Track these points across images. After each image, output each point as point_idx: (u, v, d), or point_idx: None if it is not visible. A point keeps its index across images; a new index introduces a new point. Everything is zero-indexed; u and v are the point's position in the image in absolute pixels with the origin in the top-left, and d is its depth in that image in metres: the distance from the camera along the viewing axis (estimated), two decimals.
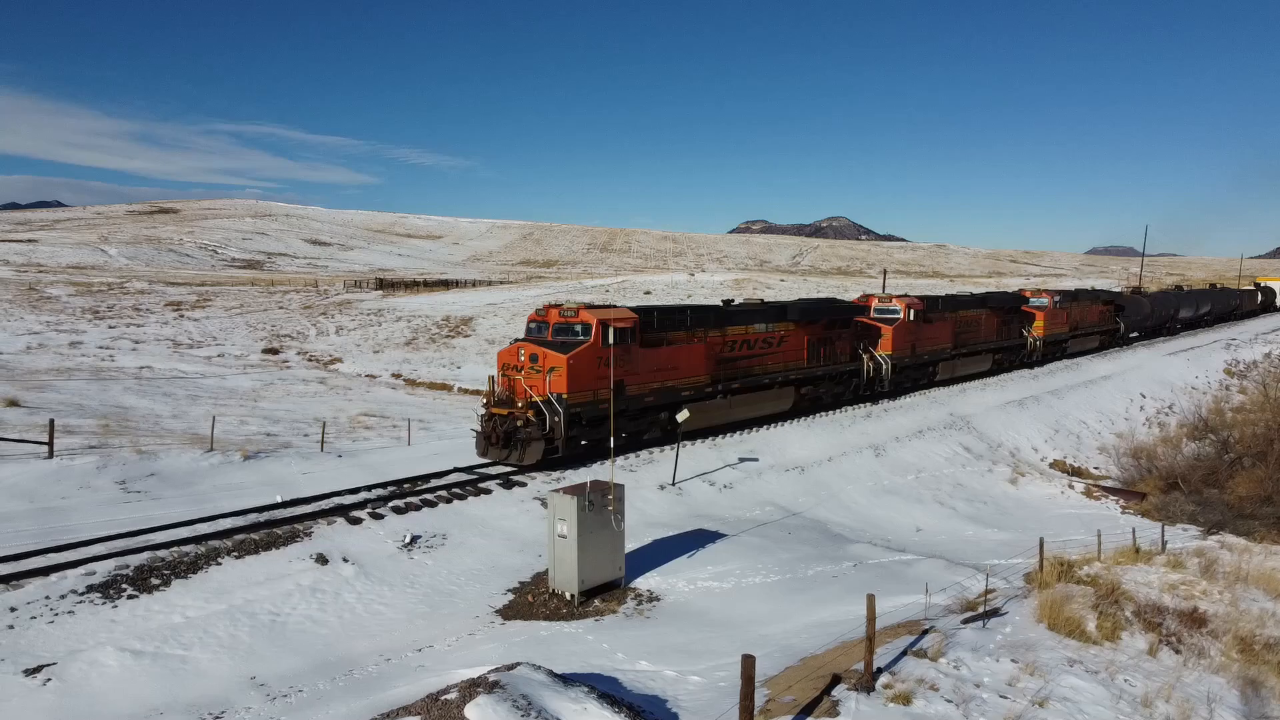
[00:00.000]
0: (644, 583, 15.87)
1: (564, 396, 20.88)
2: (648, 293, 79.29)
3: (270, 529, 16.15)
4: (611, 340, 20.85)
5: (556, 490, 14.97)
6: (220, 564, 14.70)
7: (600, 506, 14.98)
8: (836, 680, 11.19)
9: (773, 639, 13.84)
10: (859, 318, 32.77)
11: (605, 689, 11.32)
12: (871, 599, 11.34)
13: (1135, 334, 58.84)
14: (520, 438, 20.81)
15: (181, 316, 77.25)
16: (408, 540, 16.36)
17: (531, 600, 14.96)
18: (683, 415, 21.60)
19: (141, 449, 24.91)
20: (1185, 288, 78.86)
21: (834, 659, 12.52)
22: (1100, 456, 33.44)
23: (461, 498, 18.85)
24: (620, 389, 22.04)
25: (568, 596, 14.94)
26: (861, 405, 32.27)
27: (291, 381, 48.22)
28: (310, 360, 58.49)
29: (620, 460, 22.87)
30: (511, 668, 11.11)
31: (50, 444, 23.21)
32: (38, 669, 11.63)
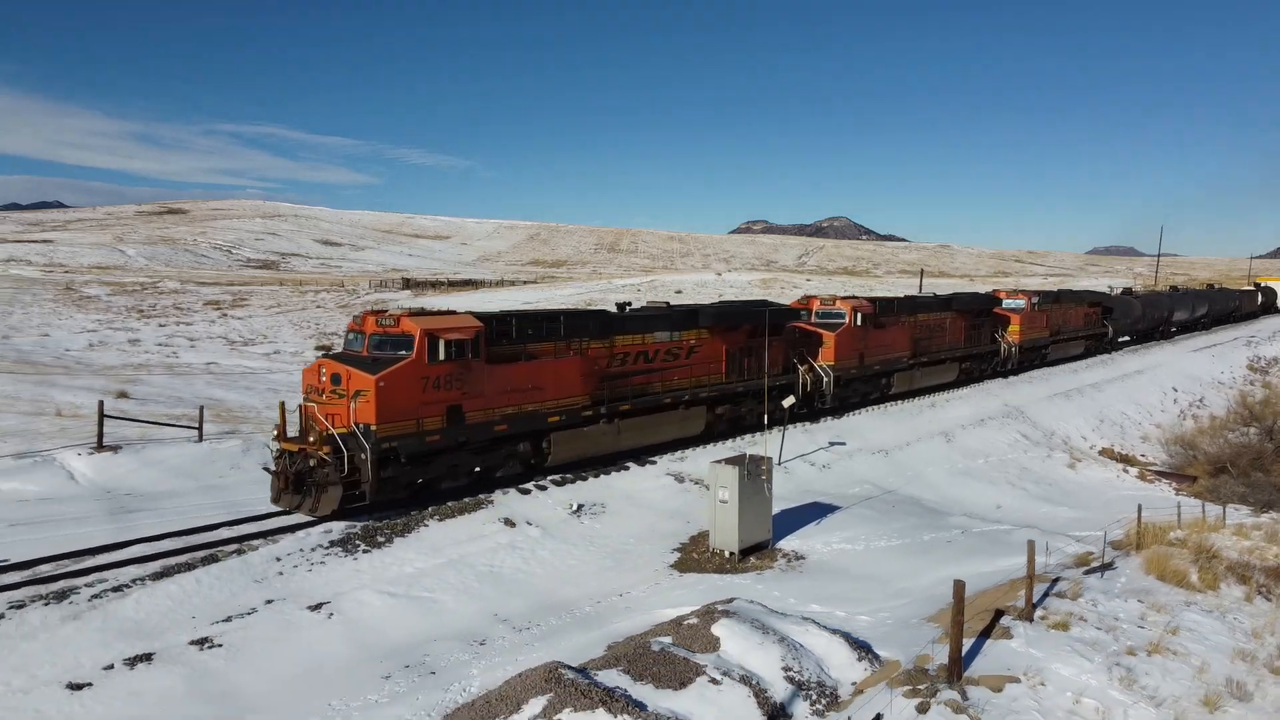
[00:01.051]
0: (786, 545, 17.99)
1: (372, 428, 16.60)
2: (679, 291, 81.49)
3: (456, 498, 18.27)
4: (442, 355, 17.50)
5: (718, 462, 17.12)
6: (427, 526, 16.84)
7: (755, 476, 17.12)
8: (1000, 614, 13.31)
9: (916, 590, 15.95)
10: (795, 324, 29.04)
11: None
12: (1031, 544, 13.46)
13: (1126, 338, 54.98)
14: (314, 481, 16.60)
15: (224, 315, 79.34)
16: (575, 508, 18.51)
17: (697, 557, 17.11)
18: (789, 401, 23.65)
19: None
20: (1180, 288, 74.69)
21: (983, 602, 14.63)
22: (1144, 445, 35.60)
23: (607, 473, 21.00)
24: (457, 415, 18.09)
25: (727, 554, 17.07)
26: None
27: None
28: None
29: (668, 457, 24.97)
30: (729, 601, 13.25)
31: (200, 429, 25.31)
32: (318, 606, 13.75)
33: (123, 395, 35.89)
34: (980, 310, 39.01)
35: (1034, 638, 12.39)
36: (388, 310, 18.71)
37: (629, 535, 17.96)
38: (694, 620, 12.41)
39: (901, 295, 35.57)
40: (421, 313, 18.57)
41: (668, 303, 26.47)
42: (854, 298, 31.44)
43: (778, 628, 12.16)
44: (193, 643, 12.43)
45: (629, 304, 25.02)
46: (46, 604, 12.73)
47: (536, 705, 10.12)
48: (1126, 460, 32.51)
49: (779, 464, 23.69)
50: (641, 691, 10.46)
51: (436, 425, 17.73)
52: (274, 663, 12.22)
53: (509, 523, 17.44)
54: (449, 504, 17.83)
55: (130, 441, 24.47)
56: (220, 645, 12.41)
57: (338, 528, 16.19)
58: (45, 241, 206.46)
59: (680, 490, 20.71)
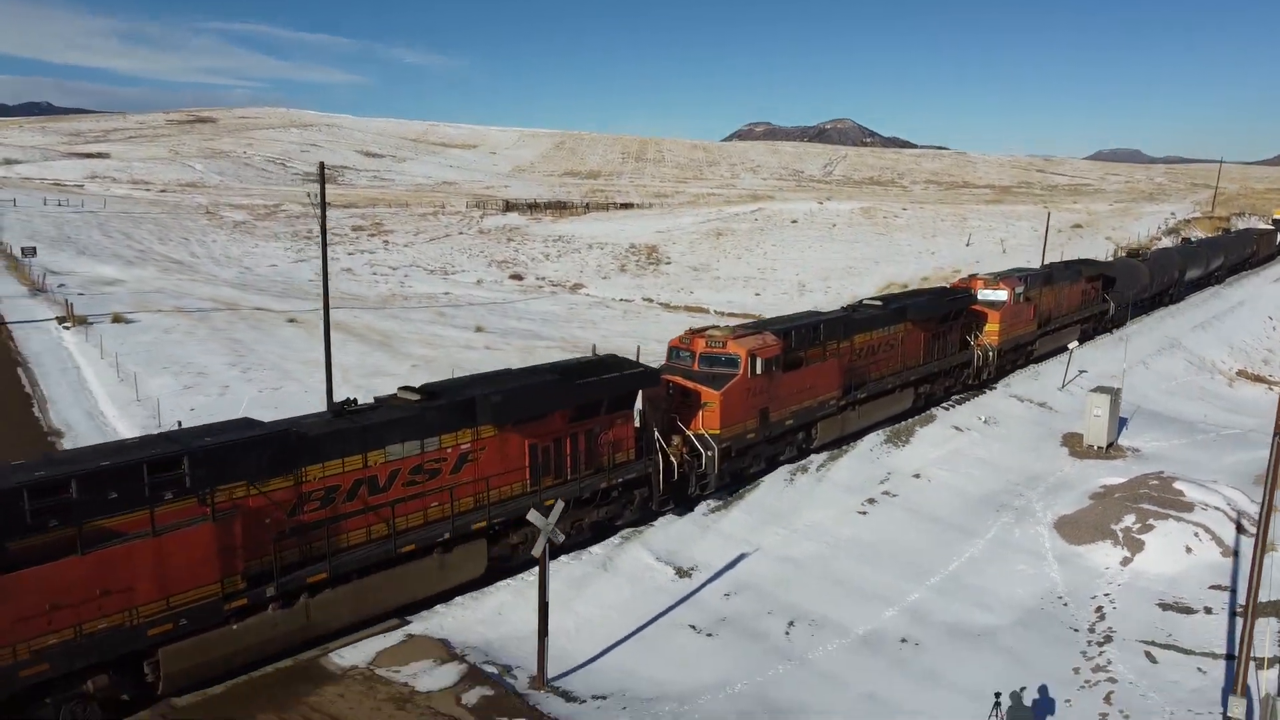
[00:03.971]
0: (1122, 442, 28.34)
1: None
2: (794, 221, 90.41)
3: (914, 415, 28.55)
4: None
5: (1094, 390, 27.34)
6: (918, 431, 27.18)
7: (1114, 400, 27.36)
8: None
9: (1225, 468, 26.25)
10: (669, 376, 22.12)
11: None
12: None
13: (1129, 309, 48.56)
14: None
15: (388, 243, 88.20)
16: (984, 420, 28.83)
17: (1079, 449, 27.49)
18: (1074, 344, 33.59)
19: None
20: (1191, 240, 68.53)
21: None
22: (1266, 367, 46.00)
23: (975, 397, 31.24)
24: None
25: (1096, 448, 27.42)
26: None
27: (582, 307, 59.76)
28: (554, 285, 70.01)
29: (1003, 383, 35.03)
30: (1160, 471, 23.59)
31: None
32: (917, 474, 24.11)
33: (480, 329, 45.50)
34: (945, 315, 31.55)
35: None
36: None
37: (1023, 436, 28.34)
38: (1155, 480, 22.78)
39: (837, 311, 28.64)
40: None
41: (415, 386, 18.00)
42: (758, 333, 23.57)
43: (1203, 483, 22.55)
44: (884, 493, 22.85)
45: (354, 398, 17.26)
46: (801, 473, 23.10)
47: (1130, 517, 20.59)
48: (1260, 380, 42.95)
49: (1060, 388, 34.00)
50: (1167, 512, 20.84)
51: None
52: (927, 502, 22.65)
53: (956, 429, 27.79)
54: (920, 416, 28.11)
55: None
56: (896, 495, 22.83)
57: (880, 434, 26.43)
58: (101, 155, 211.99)
59: (1025, 407, 31.02)
